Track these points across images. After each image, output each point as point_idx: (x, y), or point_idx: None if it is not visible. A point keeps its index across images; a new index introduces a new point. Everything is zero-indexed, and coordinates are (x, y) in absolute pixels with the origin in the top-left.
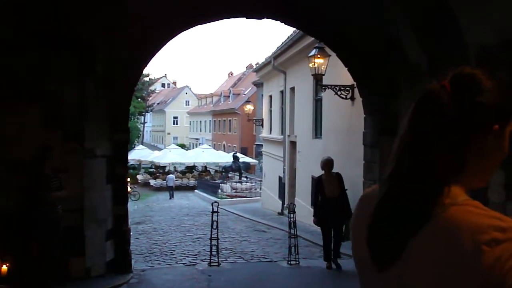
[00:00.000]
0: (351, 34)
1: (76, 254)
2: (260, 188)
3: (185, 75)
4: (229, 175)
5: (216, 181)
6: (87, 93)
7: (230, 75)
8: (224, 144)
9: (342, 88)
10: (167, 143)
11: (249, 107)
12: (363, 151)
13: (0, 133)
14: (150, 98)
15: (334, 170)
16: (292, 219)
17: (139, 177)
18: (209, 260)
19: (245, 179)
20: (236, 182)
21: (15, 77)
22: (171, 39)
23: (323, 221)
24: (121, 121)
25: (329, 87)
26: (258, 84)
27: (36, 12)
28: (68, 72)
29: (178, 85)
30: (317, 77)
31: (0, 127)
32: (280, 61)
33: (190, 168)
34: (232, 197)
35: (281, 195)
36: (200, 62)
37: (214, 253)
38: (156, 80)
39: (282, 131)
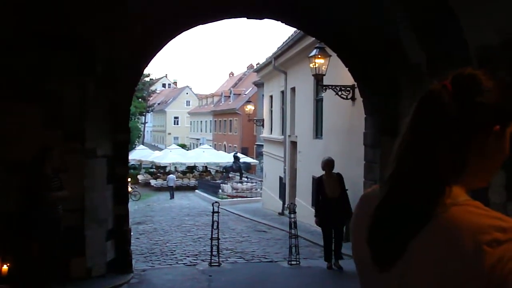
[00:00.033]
0: (352, 34)
1: (77, 254)
2: (261, 188)
3: (186, 75)
4: (230, 175)
5: (217, 181)
6: (87, 93)
7: (231, 75)
8: (224, 144)
9: (342, 88)
10: (168, 143)
11: (249, 107)
12: (363, 151)
13: (0, 133)
14: (151, 98)
15: (335, 170)
16: (292, 219)
17: (139, 177)
18: (209, 260)
19: (245, 179)
20: (237, 182)
21: (15, 77)
22: (171, 39)
23: (324, 221)
24: (122, 121)
25: (330, 87)
26: (259, 84)
27: (36, 12)
28: (68, 72)
29: (179, 85)
30: (318, 77)
31: (0, 127)
32: (280, 61)
33: (191, 168)
34: (232, 197)
35: (282, 195)
36: (201, 62)
37: (214, 253)
38: (157, 80)
39: (283, 131)
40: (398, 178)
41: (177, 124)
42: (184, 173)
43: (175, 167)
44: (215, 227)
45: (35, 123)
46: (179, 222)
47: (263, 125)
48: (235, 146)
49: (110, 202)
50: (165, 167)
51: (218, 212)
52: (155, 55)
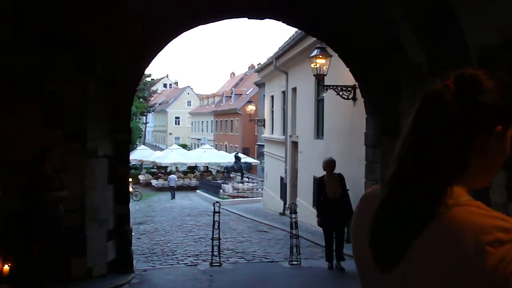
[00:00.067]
0: (352, 34)
1: (78, 254)
2: (262, 189)
3: (187, 76)
4: (231, 175)
5: (218, 181)
6: (87, 93)
7: (232, 75)
8: (226, 145)
9: (343, 89)
10: (169, 143)
11: (251, 108)
12: (364, 152)
13: (1, 133)
14: (152, 98)
15: (336, 170)
16: (293, 220)
17: (141, 177)
18: (210, 260)
19: (246, 179)
20: (238, 183)
21: (16, 77)
22: (172, 39)
23: (325, 222)
24: (123, 121)
25: (331, 87)
26: (260, 85)
27: (36, 12)
28: (69, 72)
29: (180, 86)
30: (319, 78)
31: (0, 127)
32: (282, 62)
33: (192, 168)
34: (233, 197)
35: (283, 196)
36: (202, 62)
37: (215, 253)
38: (158, 80)
39: (284, 132)
40: (399, 179)
41: (178, 124)
42: (185, 173)
43: (176, 167)
44: (216, 227)
45: (35, 123)
46: (180, 222)
47: (264, 125)
48: (236, 146)
49: (111, 202)
50: (166, 167)
51: (219, 212)
52: (156, 55)
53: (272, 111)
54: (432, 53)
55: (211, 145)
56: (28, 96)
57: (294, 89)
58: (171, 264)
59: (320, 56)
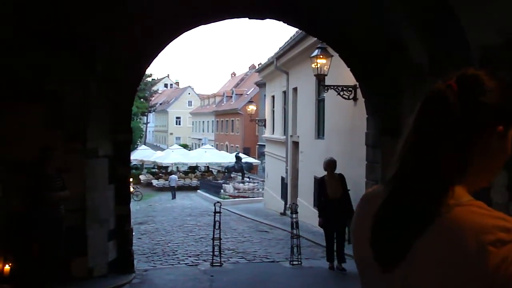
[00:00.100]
0: (353, 34)
1: (79, 254)
2: (263, 189)
3: (188, 76)
4: (232, 175)
5: (219, 181)
6: (89, 93)
7: (233, 75)
8: (226, 145)
9: (344, 89)
10: (170, 143)
11: (251, 108)
12: (365, 152)
13: (1, 133)
14: (153, 98)
15: (337, 170)
16: (294, 220)
17: (141, 177)
18: (211, 260)
19: (247, 179)
20: (239, 183)
21: (16, 77)
22: (173, 39)
23: (326, 222)
24: (123, 121)
25: (332, 87)
26: (261, 85)
27: (36, 12)
28: (69, 72)
29: (181, 86)
30: (320, 78)
31: (1, 127)
32: (282, 62)
33: (193, 168)
34: (234, 197)
35: (284, 196)
36: (203, 62)
37: (216, 253)
38: (159, 80)
39: (285, 132)
40: (401, 179)
41: (179, 124)
42: (186, 173)
43: (177, 167)
44: (217, 227)
45: (36, 123)
46: (181, 222)
47: (265, 125)
48: (237, 146)
49: (111, 202)
50: (167, 167)
51: (220, 212)
52: (156, 55)
53: (273, 111)
54: (433, 53)
55: (212, 145)
56: (28, 96)
57: (295, 89)
58: (172, 264)
59: (321, 56)
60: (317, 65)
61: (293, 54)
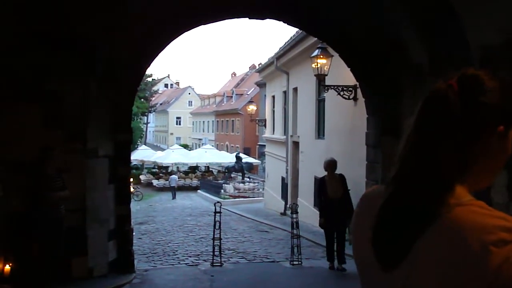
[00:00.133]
0: (353, 34)
1: (79, 254)
2: (263, 189)
3: (188, 76)
4: (232, 175)
5: (219, 181)
6: (89, 93)
7: (233, 75)
8: (227, 145)
9: (344, 89)
10: (170, 143)
11: (252, 108)
12: (365, 152)
13: (2, 133)
14: (153, 98)
15: (337, 170)
16: (294, 220)
17: (142, 177)
18: (211, 260)
19: (248, 179)
20: (239, 183)
21: (15, 77)
22: (173, 39)
23: (326, 222)
24: (124, 121)
25: (332, 87)
26: (261, 85)
27: (36, 12)
28: (69, 72)
29: (181, 86)
30: (320, 78)
31: (1, 127)
32: (283, 62)
33: (193, 169)
34: (234, 197)
35: (284, 196)
36: (203, 62)
37: (216, 253)
38: (159, 80)
39: (285, 132)
40: (402, 179)
41: (179, 124)
42: (186, 173)
43: (177, 167)
44: (217, 227)
45: (36, 123)
46: (181, 222)
47: (265, 125)
48: (237, 146)
49: (111, 202)
50: (167, 167)
51: (220, 212)
52: (157, 55)
53: (273, 111)
54: (433, 53)
55: (212, 145)
56: (28, 96)
57: (295, 89)
58: (172, 264)
59: (321, 56)
60: (317, 65)
61: (293, 54)
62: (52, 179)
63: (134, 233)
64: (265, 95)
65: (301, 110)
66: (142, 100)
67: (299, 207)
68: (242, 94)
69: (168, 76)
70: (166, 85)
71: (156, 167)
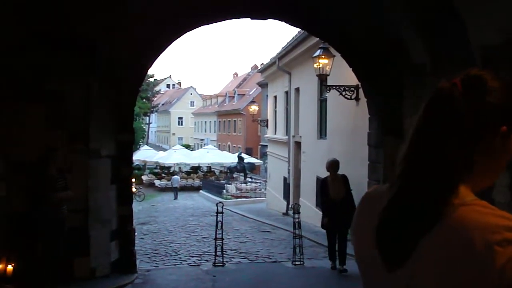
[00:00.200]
0: (355, 34)
1: (81, 254)
2: (265, 189)
3: (190, 76)
4: (234, 175)
5: (221, 181)
6: (91, 93)
7: (235, 75)
8: (229, 145)
9: (346, 89)
10: (172, 143)
11: (254, 108)
12: (367, 152)
13: (5, 133)
14: (155, 98)
15: (339, 170)
16: (296, 220)
17: (144, 177)
18: (213, 261)
19: (250, 179)
20: (241, 183)
21: (16, 77)
22: (174, 39)
23: (328, 222)
24: (126, 121)
25: (334, 87)
26: (263, 85)
27: (36, 12)
28: (69, 72)
29: (183, 86)
30: (322, 78)
31: (4, 127)
32: (285, 62)
33: (195, 169)
34: (237, 197)
35: (286, 196)
36: (205, 62)
37: (218, 253)
38: (161, 80)
39: (287, 132)
40: (407, 178)
41: (182, 124)
42: (188, 173)
43: (179, 168)
44: (219, 227)
45: (38, 124)
46: (183, 223)
47: (267, 126)
48: (239, 147)
49: (114, 203)
50: (169, 167)
51: (222, 212)
52: (158, 55)
53: (275, 111)
54: (435, 53)
55: (214, 146)
56: (30, 96)
57: (297, 89)
58: (174, 264)
59: (323, 56)
60: (319, 65)
61: (295, 54)
62: (55, 179)
63: (136, 234)
64: (267, 95)
65: (303, 110)
66: (144, 100)
67: (301, 207)
68: (244, 94)
69: (170, 77)
70: (168, 86)
71: (158, 167)
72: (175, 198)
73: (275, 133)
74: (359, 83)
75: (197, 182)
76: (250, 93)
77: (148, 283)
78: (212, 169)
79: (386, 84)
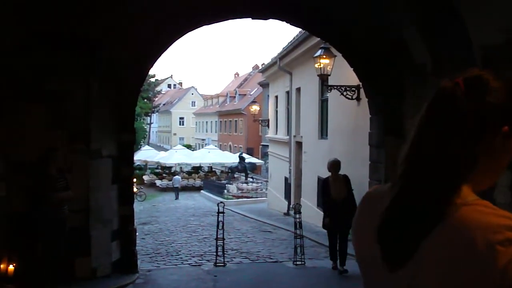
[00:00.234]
0: (356, 34)
1: (82, 254)
2: (266, 189)
3: (191, 76)
4: (235, 175)
5: (222, 181)
6: (91, 93)
7: (236, 75)
8: (230, 145)
9: (348, 89)
10: (173, 143)
11: (255, 108)
12: (368, 152)
13: (5, 133)
14: (156, 98)
15: (341, 171)
16: (298, 220)
17: (145, 177)
18: (215, 261)
19: (251, 179)
20: (242, 183)
21: (16, 77)
22: (175, 40)
23: (329, 223)
24: (127, 121)
25: (335, 87)
26: (264, 85)
27: (36, 12)
28: (70, 72)
29: (184, 86)
30: (323, 78)
31: (4, 127)
32: (286, 62)
33: (196, 169)
34: (238, 197)
35: (287, 196)
36: (206, 63)
37: (220, 253)
38: (162, 81)
39: (288, 132)
40: (409, 178)
41: (183, 124)
42: (189, 173)
43: (181, 168)
44: (220, 227)
45: (39, 124)
46: (185, 223)
47: (268, 126)
48: (241, 147)
49: (115, 203)
50: (170, 167)
51: (223, 212)
52: (159, 55)
53: (276, 111)
54: (436, 53)
55: (215, 146)
56: (31, 96)
57: (298, 89)
58: (176, 264)
59: (324, 56)
60: (320, 65)
61: (297, 54)
62: (55, 179)
63: (137, 234)
64: (268, 95)
65: (304, 110)
66: (145, 100)
67: (302, 207)
68: (245, 94)
69: (171, 77)
70: (169, 86)
71: (159, 167)
72: (176, 198)
73: (276, 133)
74: (360, 83)
75: (198, 182)
76: (251, 93)
77: (149, 283)
78: (213, 169)
79: (386, 84)
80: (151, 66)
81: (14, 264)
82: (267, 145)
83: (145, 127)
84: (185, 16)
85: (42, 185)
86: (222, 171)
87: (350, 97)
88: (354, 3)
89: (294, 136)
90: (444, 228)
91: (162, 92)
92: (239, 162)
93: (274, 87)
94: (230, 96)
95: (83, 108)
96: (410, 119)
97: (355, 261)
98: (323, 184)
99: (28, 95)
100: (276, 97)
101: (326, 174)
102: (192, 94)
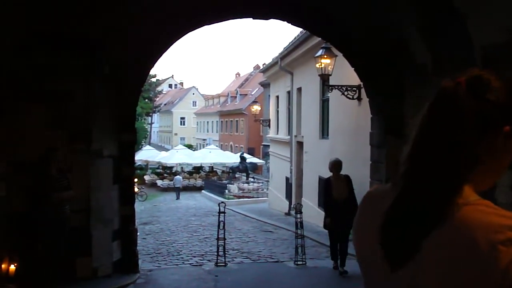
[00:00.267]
0: (357, 34)
1: (83, 254)
2: (267, 189)
3: (192, 76)
4: (236, 175)
5: (223, 181)
6: (91, 93)
7: (237, 75)
8: (231, 145)
9: (348, 88)
10: (174, 143)
11: (256, 108)
12: (370, 151)
13: (6, 133)
14: (157, 98)
15: (342, 171)
16: (299, 220)
17: (146, 177)
18: (216, 260)
19: (252, 179)
20: (243, 183)
21: (16, 77)
22: (176, 40)
23: (331, 223)
24: (128, 121)
25: (336, 87)
26: (265, 85)
27: (36, 12)
28: (70, 72)
29: (185, 86)
30: (324, 78)
31: (4, 127)
32: (287, 62)
33: (197, 169)
34: (239, 197)
35: (288, 196)
36: (207, 62)
37: (221, 253)
38: (163, 80)
39: (289, 132)
40: (411, 178)
41: (184, 124)
42: (190, 173)
43: (182, 168)
44: (221, 227)
45: (39, 124)
46: (186, 223)
47: (269, 126)
48: (242, 147)
49: (116, 203)
50: (171, 167)
51: (224, 212)
52: (160, 55)
53: (277, 111)
54: (437, 53)
55: (217, 146)
56: (31, 96)
57: (299, 89)
58: (177, 264)
59: (325, 56)
60: (321, 65)
61: (298, 54)
62: (56, 179)
63: (138, 233)
64: (269, 95)
65: (305, 110)
66: (146, 100)
67: (303, 207)
68: (246, 94)
69: (172, 77)
70: (170, 86)
71: (161, 167)
72: (177, 198)
73: (277, 133)
74: (361, 83)
75: (199, 182)
76: (252, 93)
77: (150, 283)
78: (214, 169)
79: (387, 84)
80: (152, 66)
81: (15, 264)
82: (268, 145)
83: (146, 127)
84: (185, 16)
85: (42, 185)
86: (223, 171)
87: (351, 97)
88: (354, 3)
89: (295, 136)
90: (445, 228)
91: (163, 92)
92: (240, 162)
93: (275, 87)
94: (231, 96)
95: (83, 108)
96: (411, 119)
97: (356, 261)
98: (324, 184)
99: (28, 95)
100: (277, 97)
101: (327, 174)
102: (193, 94)
